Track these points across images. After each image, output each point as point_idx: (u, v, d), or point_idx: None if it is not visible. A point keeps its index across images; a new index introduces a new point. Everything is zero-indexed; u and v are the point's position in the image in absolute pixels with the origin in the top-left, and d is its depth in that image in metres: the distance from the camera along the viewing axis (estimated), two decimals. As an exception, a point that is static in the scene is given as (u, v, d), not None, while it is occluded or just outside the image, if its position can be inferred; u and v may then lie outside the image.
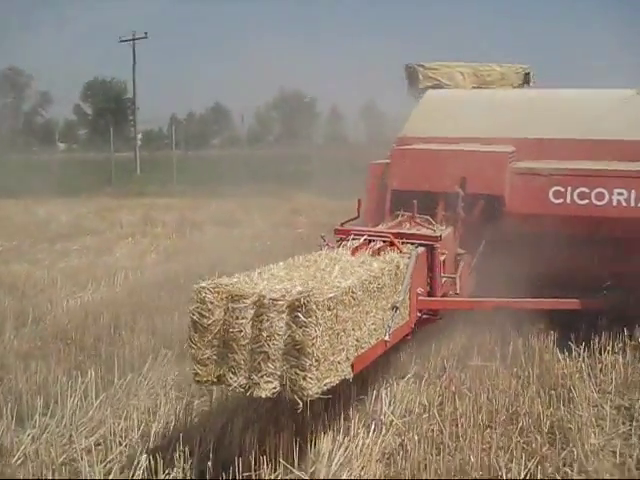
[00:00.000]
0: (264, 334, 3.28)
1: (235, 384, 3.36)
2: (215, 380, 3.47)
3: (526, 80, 12.13)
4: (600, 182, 5.53)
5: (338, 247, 4.62)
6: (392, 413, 4.51)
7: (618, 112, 6.47)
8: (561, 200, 5.58)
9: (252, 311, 3.34)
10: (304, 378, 3.20)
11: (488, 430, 4.34)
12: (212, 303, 3.41)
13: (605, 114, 6.46)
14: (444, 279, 5.16)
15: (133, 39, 47.10)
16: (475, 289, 5.89)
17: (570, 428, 4.35)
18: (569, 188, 5.56)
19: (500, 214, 5.72)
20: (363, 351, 3.75)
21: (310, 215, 16.41)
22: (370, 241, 4.72)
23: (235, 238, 12.61)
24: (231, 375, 3.36)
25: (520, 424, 4.41)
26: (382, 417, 4.45)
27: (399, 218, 5.56)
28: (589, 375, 5.33)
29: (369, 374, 4.90)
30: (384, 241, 4.73)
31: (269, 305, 3.29)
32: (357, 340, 3.69)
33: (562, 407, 4.68)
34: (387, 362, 5.24)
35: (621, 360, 5.51)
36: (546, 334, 5.94)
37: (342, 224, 5.15)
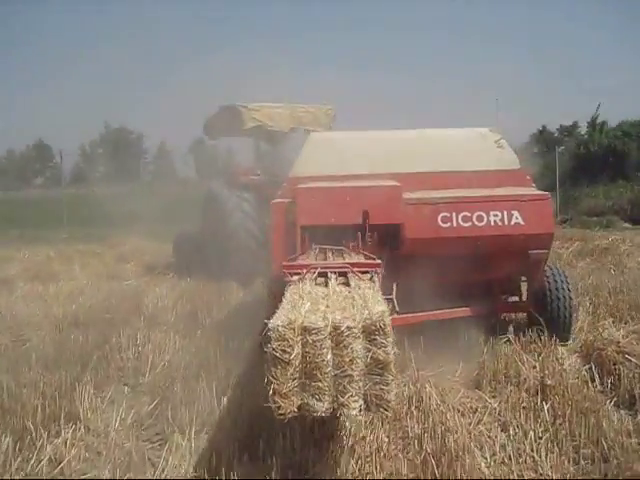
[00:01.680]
0: (346, 359, 3.50)
1: (322, 409, 3.50)
2: (296, 410, 3.54)
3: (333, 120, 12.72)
4: (479, 207, 6.50)
5: (300, 281, 4.65)
6: None
7: (477, 147, 7.49)
8: (448, 224, 6.46)
9: (329, 340, 3.53)
10: (388, 392, 3.54)
11: None
12: (292, 339, 3.51)
13: (468, 149, 7.46)
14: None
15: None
16: None
17: None
18: (454, 213, 6.46)
19: (400, 240, 6.46)
20: None
21: (139, 262, 14.68)
22: (325, 274, 4.83)
23: (50, 296, 10.61)
24: (315, 402, 3.52)
25: None
26: None
27: (315, 251, 5.91)
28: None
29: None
30: (334, 272, 4.85)
31: (347, 333, 3.51)
32: None
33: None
34: None
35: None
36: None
37: (289, 260, 5.41)
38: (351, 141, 7.61)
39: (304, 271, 4.86)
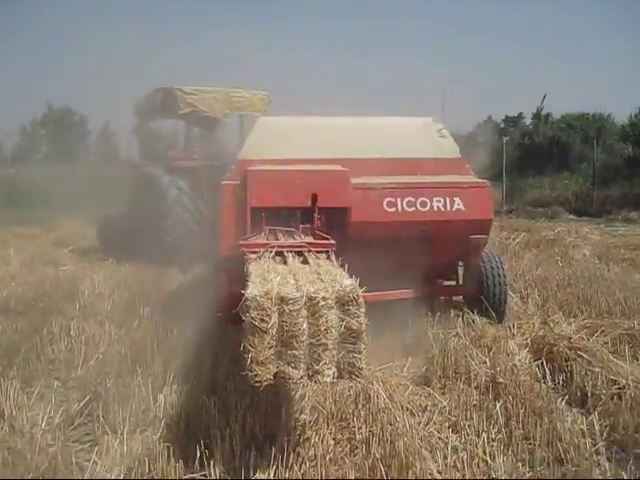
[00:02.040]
0: (322, 328, 3.74)
1: (297, 376, 3.73)
2: (272, 378, 3.74)
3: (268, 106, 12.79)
4: (423, 193, 6.79)
5: (260, 258, 4.92)
6: None
7: (420, 136, 7.74)
8: (394, 209, 6.70)
9: (305, 310, 3.76)
10: (360, 360, 3.79)
11: None
12: (269, 308, 3.71)
13: (411, 138, 7.71)
14: None
15: None
16: None
17: None
18: (399, 198, 6.71)
19: (347, 223, 6.65)
20: None
21: (77, 246, 14.17)
22: (282, 253, 5.14)
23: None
24: (291, 369, 3.73)
25: None
26: None
27: (266, 232, 6.17)
28: None
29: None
30: (292, 251, 5.19)
31: (322, 303, 3.76)
32: None
33: None
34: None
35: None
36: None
37: (245, 239, 5.77)
38: (299, 126, 7.68)
39: (261, 250, 5.15)
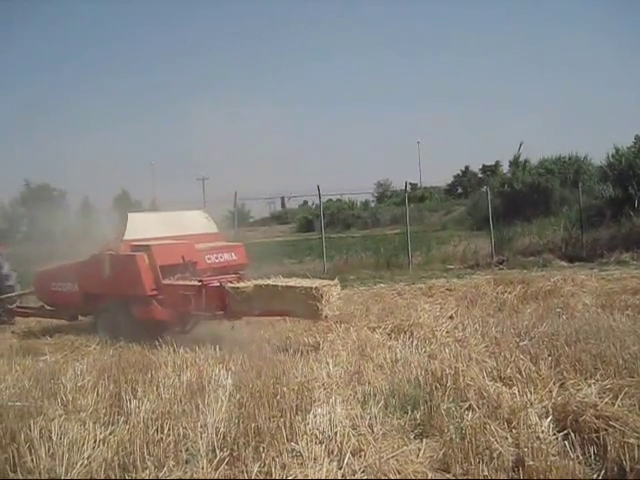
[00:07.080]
0: (334, 294, 9.68)
1: (331, 314, 9.71)
2: (324, 317, 9.56)
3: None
4: (219, 250, 12.44)
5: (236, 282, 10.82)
6: None
7: (200, 220, 13.30)
8: (211, 260, 12.08)
9: (327, 288, 9.53)
10: (340, 308, 10.41)
11: None
12: (321, 289, 9.36)
13: (198, 222, 13.21)
14: None
15: None
16: None
17: None
18: (211, 254, 12.15)
19: (198, 269, 11.75)
20: None
21: (59, 331, 13.47)
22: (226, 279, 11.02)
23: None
24: (329, 311, 9.48)
25: None
26: None
27: (181, 276, 11.50)
28: None
29: None
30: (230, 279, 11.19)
31: (333, 286, 9.77)
32: None
33: None
34: None
35: None
36: None
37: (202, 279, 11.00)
38: (152, 219, 13.07)
39: (221, 282, 10.71)
